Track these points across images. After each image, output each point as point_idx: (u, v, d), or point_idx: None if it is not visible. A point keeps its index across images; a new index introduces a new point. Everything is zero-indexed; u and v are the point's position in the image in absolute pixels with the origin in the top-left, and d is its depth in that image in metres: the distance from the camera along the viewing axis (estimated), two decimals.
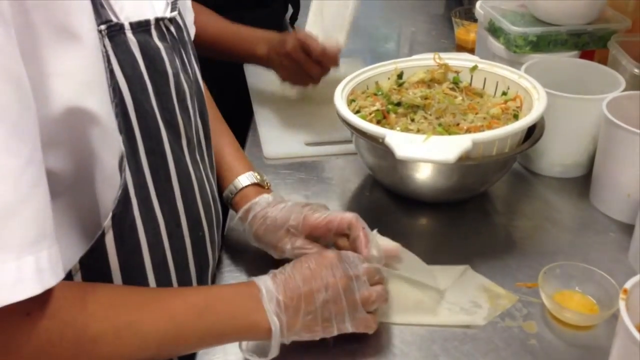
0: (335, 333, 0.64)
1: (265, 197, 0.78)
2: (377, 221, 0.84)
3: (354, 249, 0.70)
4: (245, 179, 0.80)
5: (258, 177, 0.81)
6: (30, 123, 0.48)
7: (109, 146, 0.56)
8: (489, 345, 0.68)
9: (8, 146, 0.45)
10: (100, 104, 0.55)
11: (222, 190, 0.81)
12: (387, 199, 0.93)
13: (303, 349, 0.66)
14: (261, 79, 1.23)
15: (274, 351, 0.62)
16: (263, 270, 0.66)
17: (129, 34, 0.58)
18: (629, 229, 0.84)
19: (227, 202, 0.82)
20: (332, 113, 0.93)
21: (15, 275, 0.45)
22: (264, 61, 1.11)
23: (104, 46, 0.55)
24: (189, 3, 0.85)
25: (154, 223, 0.63)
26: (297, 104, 1.14)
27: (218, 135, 0.84)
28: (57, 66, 0.51)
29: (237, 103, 1.22)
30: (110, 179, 0.57)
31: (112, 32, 0.56)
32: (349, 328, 0.64)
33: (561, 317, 0.71)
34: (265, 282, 0.63)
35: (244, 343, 0.65)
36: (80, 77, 0.53)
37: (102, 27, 0.55)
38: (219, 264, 0.81)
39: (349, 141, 0.96)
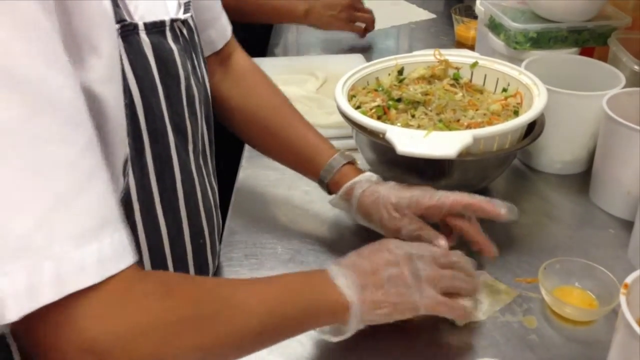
0: (408, 314, 0.64)
1: (367, 175, 0.80)
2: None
3: (486, 217, 0.73)
4: (341, 158, 0.81)
5: (350, 155, 0.82)
6: (83, 111, 0.46)
7: (115, 148, 0.55)
8: (489, 340, 0.69)
9: (63, 135, 0.44)
10: (113, 107, 0.54)
11: (314, 172, 0.82)
12: None
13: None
14: None
15: (353, 326, 0.61)
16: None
17: (143, 35, 0.57)
18: (628, 225, 0.84)
19: (323, 182, 0.81)
20: (332, 108, 0.93)
21: (80, 264, 0.43)
22: (302, 18, 1.37)
23: (117, 46, 0.55)
24: (218, 4, 0.84)
25: (156, 228, 0.62)
26: (297, 100, 1.13)
27: (295, 119, 0.86)
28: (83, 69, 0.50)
29: None
30: (113, 182, 0.56)
31: (126, 32, 0.55)
32: (419, 306, 0.63)
33: (561, 312, 0.71)
34: (330, 266, 0.63)
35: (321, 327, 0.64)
36: (99, 82, 0.52)
37: (117, 26, 0.54)
38: (217, 272, 0.80)
39: (349, 137, 0.97)
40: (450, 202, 0.73)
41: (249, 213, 0.90)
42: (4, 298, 0.40)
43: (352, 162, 0.82)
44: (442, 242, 0.73)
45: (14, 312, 0.41)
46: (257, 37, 1.49)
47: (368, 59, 1.17)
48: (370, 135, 0.84)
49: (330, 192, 0.82)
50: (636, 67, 0.96)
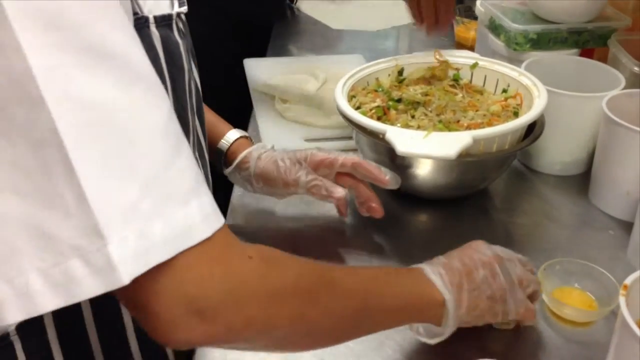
0: (500, 317, 0.64)
1: (262, 144, 0.84)
2: (377, 218, 0.84)
3: (371, 180, 0.79)
4: (236, 133, 0.85)
5: (244, 132, 0.86)
6: (158, 79, 0.47)
7: None
8: (488, 341, 0.68)
9: (152, 102, 0.45)
10: None
11: (212, 146, 0.83)
12: (387, 195, 0.93)
13: None
14: (261, 73, 1.23)
15: (451, 323, 0.61)
16: None
17: (153, 28, 0.58)
18: (627, 226, 0.84)
19: (220, 156, 0.84)
20: (332, 109, 0.93)
21: (185, 222, 0.44)
22: None
23: None
24: None
25: None
26: (297, 100, 1.13)
27: None
28: None
29: (236, 98, 1.22)
30: None
31: (139, 25, 0.56)
32: (511, 309, 0.64)
33: (560, 313, 0.71)
34: (422, 265, 0.63)
35: (416, 327, 0.65)
36: None
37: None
38: None
39: (349, 137, 0.97)
40: (342, 159, 0.78)
41: (248, 213, 0.90)
42: (116, 264, 0.41)
43: (247, 137, 0.86)
44: (340, 190, 0.77)
45: (127, 275, 0.41)
46: (257, 37, 1.50)
47: (368, 60, 1.17)
48: (370, 136, 0.84)
49: (226, 165, 0.85)
50: (636, 68, 0.96)
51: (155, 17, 0.58)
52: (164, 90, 0.47)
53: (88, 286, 0.41)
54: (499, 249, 0.67)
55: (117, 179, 0.42)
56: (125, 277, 0.41)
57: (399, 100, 0.93)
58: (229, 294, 0.46)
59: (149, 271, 0.42)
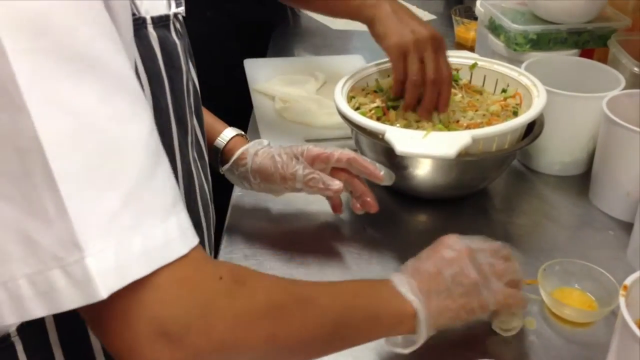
0: (479, 313, 0.63)
1: (259, 140, 0.85)
2: (376, 218, 0.84)
3: (366, 176, 0.79)
4: (232, 131, 0.85)
5: (240, 130, 0.87)
6: (141, 91, 0.47)
7: None
8: (488, 341, 0.68)
9: (134, 114, 0.44)
10: None
11: (208, 145, 0.83)
12: (387, 195, 0.93)
13: None
14: (261, 74, 1.23)
15: (423, 334, 0.60)
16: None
17: (150, 29, 0.58)
18: (627, 227, 0.84)
19: (217, 155, 0.84)
20: (332, 109, 0.93)
21: (164, 238, 0.44)
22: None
23: None
24: None
25: None
26: (297, 100, 1.13)
27: None
28: None
29: (236, 98, 1.22)
30: None
31: (136, 26, 0.56)
32: (489, 300, 0.63)
33: (560, 313, 0.71)
34: (391, 275, 0.63)
35: (392, 338, 0.64)
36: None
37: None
38: None
39: (349, 137, 0.97)
40: (338, 154, 0.79)
41: (249, 213, 0.90)
42: (94, 277, 0.40)
43: (242, 135, 0.86)
44: (337, 183, 0.77)
45: (105, 290, 0.41)
46: (257, 38, 1.49)
47: (368, 60, 1.17)
48: (370, 136, 0.84)
49: (223, 163, 0.85)
50: (636, 68, 0.96)
51: (152, 18, 0.58)
52: (146, 103, 0.47)
53: (68, 297, 0.41)
54: (471, 241, 0.66)
55: (98, 190, 0.41)
56: (103, 291, 0.41)
57: (397, 98, 0.92)
58: (197, 318, 0.45)
59: (117, 290, 0.41)
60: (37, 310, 0.41)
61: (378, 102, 0.93)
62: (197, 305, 0.45)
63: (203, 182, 0.73)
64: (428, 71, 0.87)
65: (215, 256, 0.81)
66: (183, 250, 0.45)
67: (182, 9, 0.66)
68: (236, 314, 0.47)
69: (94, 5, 0.43)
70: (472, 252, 0.64)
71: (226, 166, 0.84)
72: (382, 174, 0.79)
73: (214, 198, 0.81)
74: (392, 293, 0.61)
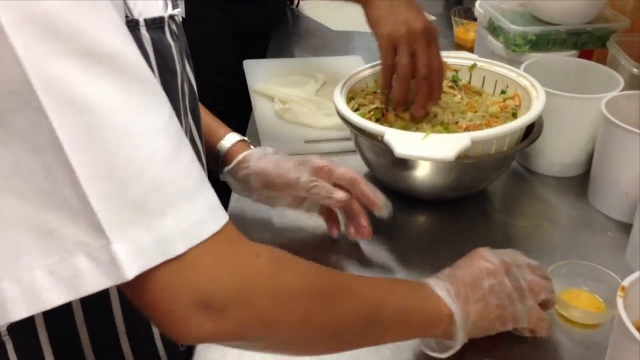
0: (510, 325, 0.64)
1: (263, 147, 0.83)
2: (376, 219, 0.84)
3: (364, 201, 0.77)
4: (235, 136, 0.84)
5: (243, 136, 0.86)
6: (156, 80, 0.48)
7: None
8: (490, 342, 0.68)
9: (153, 102, 0.46)
10: None
11: (209, 148, 0.83)
12: (386, 196, 0.93)
13: None
14: (260, 75, 1.24)
15: (460, 337, 0.61)
16: None
17: (143, 31, 0.58)
18: (626, 228, 0.84)
19: (218, 159, 0.83)
20: (331, 110, 0.93)
21: (195, 217, 0.45)
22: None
23: None
24: None
25: None
26: (296, 101, 1.14)
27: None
28: None
29: (236, 99, 1.22)
30: None
31: (129, 27, 0.54)
32: (521, 316, 0.63)
33: (569, 315, 0.71)
34: (428, 280, 0.63)
35: (428, 341, 0.64)
36: None
37: None
38: None
39: (348, 138, 0.97)
40: (341, 170, 0.78)
41: (247, 214, 0.90)
42: (121, 258, 0.42)
43: (245, 141, 0.85)
44: (341, 194, 0.76)
45: (131, 271, 0.42)
46: (256, 39, 1.50)
47: (367, 61, 1.17)
48: (369, 138, 0.84)
49: (223, 167, 0.84)
50: (635, 69, 0.96)
51: (145, 20, 0.58)
52: (161, 90, 0.48)
53: (93, 280, 0.42)
54: (506, 255, 0.67)
55: (120, 180, 0.42)
56: (129, 272, 0.42)
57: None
58: (237, 290, 0.46)
59: (157, 268, 0.43)
60: (56, 298, 0.42)
61: (377, 103, 0.93)
62: (236, 279, 0.47)
63: None
64: (420, 66, 0.87)
65: None
66: (215, 227, 0.46)
67: (178, 11, 0.66)
68: (276, 291, 0.49)
69: (101, 3, 0.44)
70: (509, 266, 0.65)
71: (227, 168, 0.83)
72: (380, 202, 0.78)
73: None
74: (429, 294, 0.61)
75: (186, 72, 0.69)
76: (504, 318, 0.63)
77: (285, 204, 0.82)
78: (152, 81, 0.46)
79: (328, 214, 0.84)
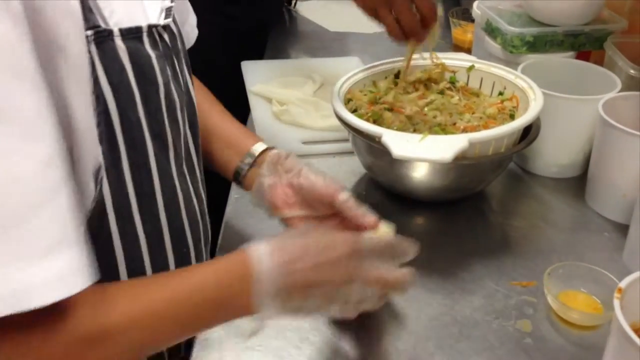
0: (337, 309, 0.59)
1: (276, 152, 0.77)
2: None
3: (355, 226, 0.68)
4: (262, 145, 0.79)
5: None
6: (49, 123, 0.46)
7: (85, 157, 0.54)
8: (484, 344, 0.69)
9: (21, 148, 0.44)
10: (81, 114, 0.53)
11: (240, 154, 0.78)
12: (384, 198, 0.93)
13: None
14: (258, 76, 1.24)
15: (262, 302, 0.55)
16: None
17: (118, 41, 0.56)
18: (623, 229, 0.84)
19: (252, 157, 0.78)
20: (329, 112, 0.93)
21: (33, 281, 0.43)
22: None
23: (89, 52, 0.53)
24: (188, 5, 0.84)
25: (134, 238, 0.61)
26: (294, 103, 1.14)
27: (224, 119, 0.84)
28: (51, 79, 0.49)
29: (233, 100, 1.21)
30: (83, 191, 0.55)
31: (100, 38, 0.54)
32: (351, 303, 0.59)
33: (567, 317, 0.71)
34: (260, 257, 0.55)
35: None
36: (65, 85, 0.51)
37: (89, 32, 0.53)
38: None
39: (346, 140, 0.97)
40: (322, 190, 0.70)
41: (245, 215, 0.90)
42: None
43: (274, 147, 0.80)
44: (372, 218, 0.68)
45: None
46: (254, 39, 1.50)
47: (365, 62, 1.17)
48: (367, 139, 0.84)
49: (245, 179, 0.78)
50: (632, 71, 0.97)
51: (121, 30, 0.56)
52: (50, 139, 0.46)
53: None
54: (366, 240, 0.60)
55: None
56: None
57: (390, 109, 0.93)
58: None
59: None
60: None
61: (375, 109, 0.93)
62: None
63: (191, 196, 0.70)
64: (404, 25, 0.89)
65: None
66: (50, 298, 0.44)
67: (168, 21, 0.65)
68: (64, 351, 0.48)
69: None
70: (359, 246, 0.59)
71: (263, 168, 0.76)
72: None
73: (219, 212, 0.79)
74: (242, 289, 0.54)
75: (179, 83, 0.67)
76: (328, 298, 0.57)
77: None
78: (31, 124, 0.44)
79: None
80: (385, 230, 0.68)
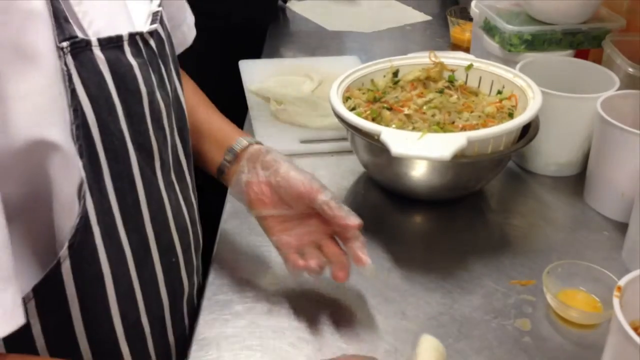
0: None
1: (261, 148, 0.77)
2: (372, 219, 0.84)
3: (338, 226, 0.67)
4: (244, 140, 0.77)
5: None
6: None
7: (67, 172, 0.52)
8: (483, 343, 0.68)
9: None
10: (60, 130, 0.51)
11: (224, 145, 0.77)
12: (382, 197, 0.93)
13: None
14: (256, 75, 1.23)
15: None
16: (249, 296, 0.66)
17: (97, 51, 0.54)
18: (622, 227, 0.84)
19: (233, 152, 0.76)
20: (327, 110, 0.93)
21: None
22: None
23: (66, 64, 0.51)
24: (185, 5, 0.83)
25: (119, 251, 0.59)
26: (292, 102, 1.13)
27: (213, 115, 0.83)
28: (13, 90, 0.47)
29: (231, 99, 1.21)
30: (67, 206, 0.53)
31: (77, 49, 0.52)
32: None
33: (566, 316, 0.71)
34: None
35: None
36: (38, 101, 0.49)
37: (65, 44, 0.51)
38: (203, 290, 0.77)
39: (344, 138, 0.97)
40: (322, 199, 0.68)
41: (243, 215, 0.90)
42: None
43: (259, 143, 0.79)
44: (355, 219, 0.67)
45: None
46: (252, 39, 1.49)
47: (363, 61, 1.17)
48: (365, 137, 0.84)
49: (227, 176, 0.77)
50: (630, 69, 0.96)
51: (100, 40, 0.54)
52: None
53: None
54: None
55: None
56: None
57: (390, 109, 0.92)
58: None
59: None
60: None
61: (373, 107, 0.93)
62: None
63: (180, 205, 0.69)
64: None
65: (201, 280, 0.79)
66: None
67: (154, 27, 0.63)
68: None
69: None
70: None
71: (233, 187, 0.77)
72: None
73: (212, 220, 0.78)
74: None
75: (165, 90, 0.65)
76: None
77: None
78: None
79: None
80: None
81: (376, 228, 0.86)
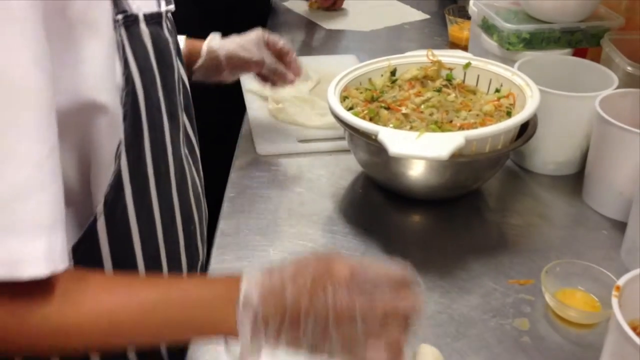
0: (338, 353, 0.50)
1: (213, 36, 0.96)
2: (370, 219, 0.84)
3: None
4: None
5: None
6: (54, 111, 0.48)
7: (111, 134, 0.56)
8: (481, 342, 0.68)
9: (37, 133, 0.46)
10: (111, 95, 0.55)
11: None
12: (380, 196, 0.93)
13: None
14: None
15: (245, 330, 0.49)
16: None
17: (143, 26, 0.59)
18: (621, 226, 0.84)
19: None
20: (325, 109, 0.93)
21: (27, 255, 0.45)
22: None
23: (120, 35, 0.56)
24: None
25: (149, 214, 0.62)
26: (290, 101, 1.13)
27: None
28: (84, 55, 0.52)
29: (230, 99, 1.21)
30: (106, 165, 0.57)
31: (128, 22, 0.57)
32: (355, 347, 0.50)
33: (564, 315, 0.71)
34: (249, 286, 0.50)
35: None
36: (98, 67, 0.53)
37: (119, 16, 0.55)
38: (207, 263, 0.80)
39: (342, 138, 0.96)
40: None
41: (241, 214, 0.90)
42: None
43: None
44: (292, 76, 0.99)
45: None
46: None
47: (361, 60, 1.17)
48: (363, 137, 0.83)
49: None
50: (629, 68, 0.96)
51: (145, 15, 0.59)
52: (55, 128, 0.48)
53: None
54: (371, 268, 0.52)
55: None
56: None
57: (387, 108, 0.92)
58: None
59: None
60: None
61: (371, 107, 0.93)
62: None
63: (195, 177, 0.74)
64: None
65: (208, 253, 0.81)
66: (45, 271, 0.46)
67: (172, 7, 0.67)
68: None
69: (13, 17, 0.44)
70: (362, 276, 0.50)
71: (200, 61, 0.93)
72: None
73: (207, 199, 0.80)
74: (226, 316, 0.49)
75: (180, 69, 0.70)
76: (328, 333, 0.48)
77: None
78: (49, 111, 0.47)
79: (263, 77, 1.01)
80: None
81: (374, 227, 0.86)
